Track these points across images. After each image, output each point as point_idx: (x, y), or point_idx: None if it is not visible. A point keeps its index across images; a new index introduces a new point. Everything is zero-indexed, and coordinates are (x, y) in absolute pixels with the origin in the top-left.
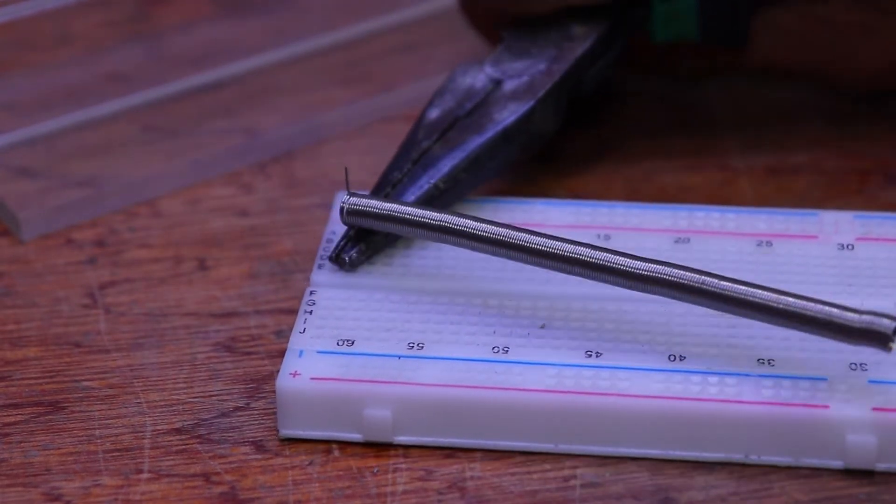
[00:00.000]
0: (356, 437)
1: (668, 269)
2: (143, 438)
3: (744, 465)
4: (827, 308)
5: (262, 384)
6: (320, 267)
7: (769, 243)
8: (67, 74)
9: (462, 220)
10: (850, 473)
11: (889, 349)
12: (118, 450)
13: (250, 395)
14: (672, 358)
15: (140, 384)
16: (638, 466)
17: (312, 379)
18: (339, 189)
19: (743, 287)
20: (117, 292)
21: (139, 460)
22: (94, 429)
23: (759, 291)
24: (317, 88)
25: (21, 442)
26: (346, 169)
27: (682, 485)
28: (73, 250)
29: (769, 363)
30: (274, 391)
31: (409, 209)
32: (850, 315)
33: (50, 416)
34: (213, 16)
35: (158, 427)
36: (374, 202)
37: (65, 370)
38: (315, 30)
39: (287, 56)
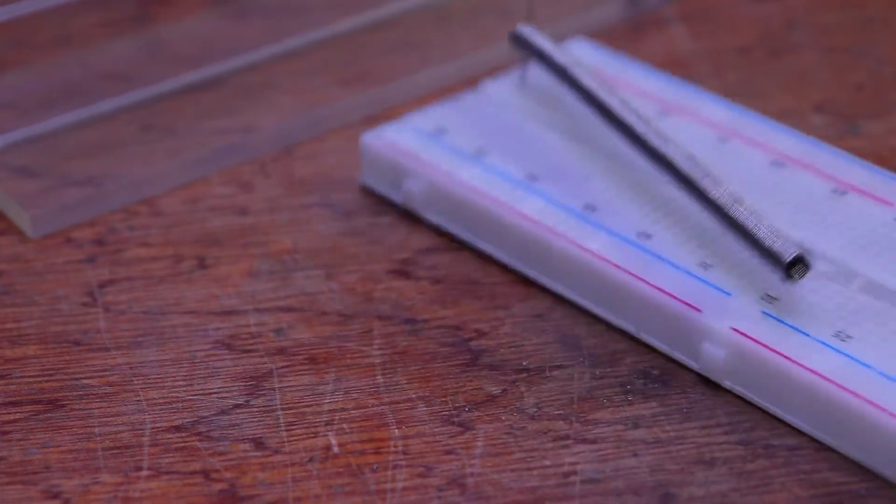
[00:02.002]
0: (398, 203)
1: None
2: (143, 436)
3: (744, 461)
4: (759, 224)
5: (261, 382)
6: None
7: (843, 193)
8: (66, 73)
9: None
10: (848, 467)
11: (790, 278)
12: (117, 447)
13: (250, 393)
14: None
15: (139, 382)
16: (638, 462)
17: (389, 144)
18: (338, 189)
19: (711, 188)
20: (117, 291)
21: (138, 458)
22: (93, 426)
23: (716, 190)
24: (315, 85)
25: (20, 440)
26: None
27: (682, 480)
28: (72, 249)
29: (705, 265)
30: (273, 389)
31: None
32: (766, 233)
33: (49, 414)
34: (212, 14)
35: (158, 424)
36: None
37: (64, 368)
38: (313, 27)
39: (285, 53)
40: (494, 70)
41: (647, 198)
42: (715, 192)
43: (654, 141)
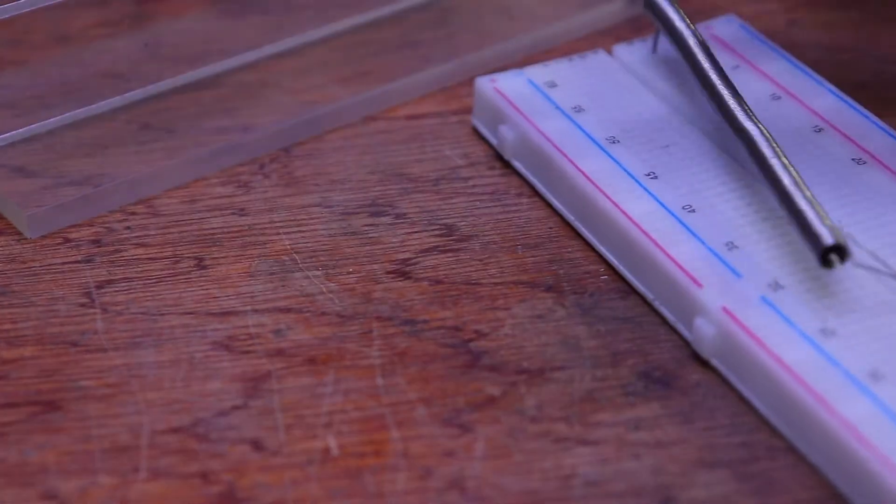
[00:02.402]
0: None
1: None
2: (141, 438)
3: (746, 463)
4: (811, 208)
5: (260, 383)
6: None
7: (864, 161)
8: (64, 72)
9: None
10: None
11: (826, 265)
12: (115, 449)
13: (248, 395)
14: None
15: (137, 383)
16: (639, 464)
17: (495, 89)
18: (338, 189)
19: (772, 158)
20: (114, 291)
21: (136, 460)
22: (90, 428)
23: (775, 160)
24: (315, 85)
25: (18, 441)
26: None
27: (683, 483)
28: (70, 249)
29: (731, 245)
30: (272, 391)
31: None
32: (812, 216)
33: (47, 416)
34: (210, 12)
35: (156, 426)
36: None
37: (62, 369)
38: (312, 25)
39: (284, 52)
40: (494, 70)
41: (711, 174)
42: (778, 170)
43: (738, 115)
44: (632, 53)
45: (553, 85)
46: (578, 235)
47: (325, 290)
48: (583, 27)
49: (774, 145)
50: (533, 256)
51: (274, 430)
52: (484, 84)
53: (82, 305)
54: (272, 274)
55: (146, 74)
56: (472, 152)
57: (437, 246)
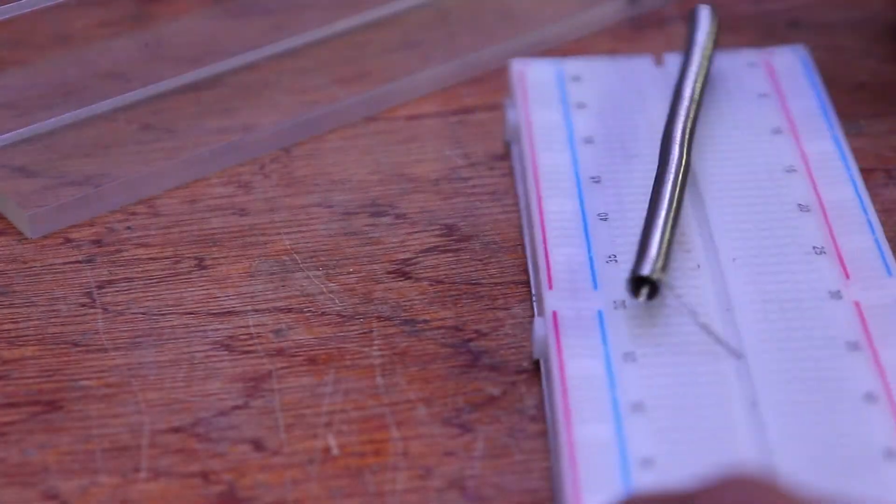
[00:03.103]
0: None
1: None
2: (141, 437)
3: None
4: (659, 232)
5: (260, 383)
6: None
7: (807, 209)
8: (65, 73)
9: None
10: None
11: (634, 292)
12: (116, 449)
13: (249, 394)
14: None
15: (138, 383)
16: None
17: (521, 73)
18: (338, 189)
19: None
20: (115, 291)
21: (137, 459)
22: (91, 428)
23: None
24: (315, 85)
25: (19, 441)
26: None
27: None
28: (71, 249)
29: (613, 258)
30: (272, 390)
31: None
32: (653, 245)
33: (48, 416)
34: (211, 13)
35: (156, 426)
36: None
37: (63, 369)
38: (313, 26)
39: (285, 53)
40: (494, 70)
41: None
42: (664, 193)
43: (673, 136)
44: (676, 65)
45: (577, 79)
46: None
47: (325, 290)
48: (583, 27)
49: (679, 174)
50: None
51: (274, 430)
52: (515, 66)
53: (83, 305)
54: (272, 274)
55: (147, 75)
56: (472, 152)
57: (438, 246)
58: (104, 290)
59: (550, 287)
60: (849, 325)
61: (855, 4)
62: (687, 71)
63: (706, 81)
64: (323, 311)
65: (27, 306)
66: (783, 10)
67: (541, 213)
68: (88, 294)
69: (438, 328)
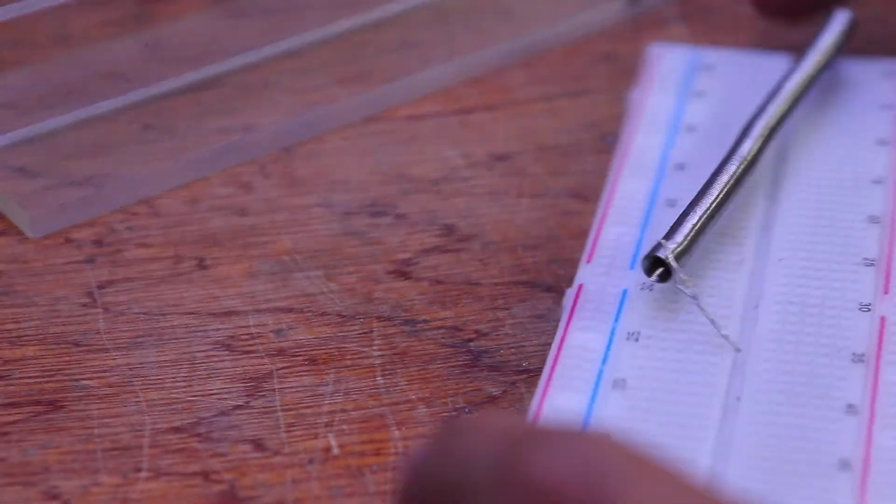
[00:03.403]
0: None
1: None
2: (142, 437)
3: None
4: (695, 219)
5: (261, 383)
6: None
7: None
8: (66, 73)
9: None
10: None
11: (647, 270)
12: (117, 448)
13: (249, 394)
14: None
15: (139, 383)
16: None
17: (655, 58)
18: (338, 189)
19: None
20: (116, 291)
21: (138, 459)
22: (92, 427)
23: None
24: (315, 85)
25: (20, 441)
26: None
27: None
28: (71, 249)
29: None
30: (273, 390)
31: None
32: (684, 229)
33: (49, 415)
34: (212, 13)
35: (157, 426)
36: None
37: (64, 369)
38: (313, 26)
39: (285, 53)
40: (494, 70)
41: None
42: (717, 183)
43: (752, 133)
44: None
45: (709, 68)
46: (579, 236)
47: (325, 290)
48: (583, 27)
49: (740, 167)
50: (533, 256)
51: (275, 430)
52: (653, 50)
53: (84, 305)
54: (273, 274)
55: (148, 75)
56: (472, 152)
57: (438, 246)
58: (105, 290)
59: (588, 261)
60: (864, 337)
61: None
62: (794, 71)
63: (810, 83)
64: (323, 311)
65: (28, 306)
66: None
67: (612, 191)
68: (89, 294)
69: (438, 328)
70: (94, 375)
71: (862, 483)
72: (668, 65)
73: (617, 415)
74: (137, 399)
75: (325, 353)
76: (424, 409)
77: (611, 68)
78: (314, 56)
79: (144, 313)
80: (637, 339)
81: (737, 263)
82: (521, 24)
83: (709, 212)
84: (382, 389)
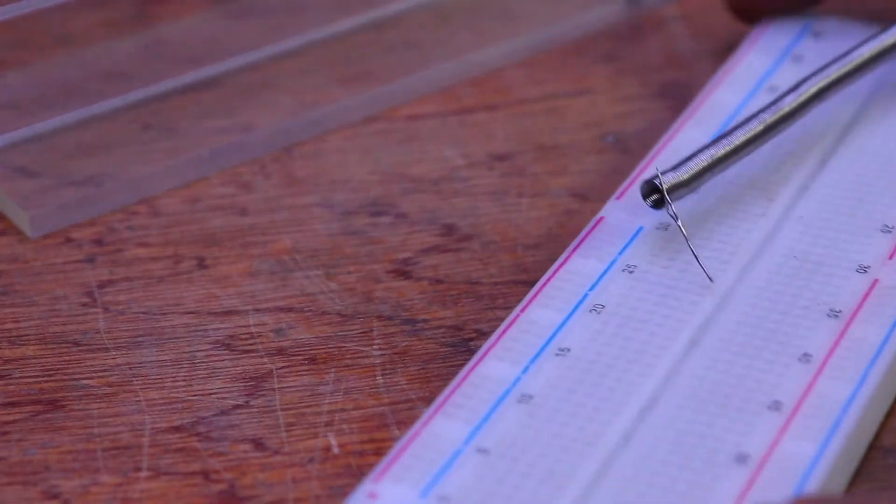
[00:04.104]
0: None
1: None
2: (142, 436)
3: None
4: (709, 153)
5: (261, 382)
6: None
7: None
8: (66, 73)
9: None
10: None
11: (646, 192)
12: (117, 448)
13: (249, 393)
14: None
15: (139, 382)
16: None
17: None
18: (338, 189)
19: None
20: (116, 291)
21: (138, 458)
22: (92, 427)
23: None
24: (315, 85)
25: (20, 440)
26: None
27: None
28: (71, 249)
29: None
30: (273, 389)
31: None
32: (696, 159)
33: (49, 415)
34: (212, 13)
35: (157, 425)
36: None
37: (64, 368)
38: (312, 26)
39: (285, 53)
40: (493, 70)
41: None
42: (741, 126)
43: (790, 92)
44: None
45: (818, 35)
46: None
47: (325, 289)
48: (583, 27)
49: (772, 117)
50: (533, 256)
51: (275, 429)
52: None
53: (84, 305)
54: (273, 273)
55: (147, 75)
56: (472, 152)
57: (438, 246)
58: (105, 290)
59: (618, 198)
60: (849, 296)
61: (853, 3)
62: (869, 41)
63: (882, 55)
64: (323, 310)
65: (28, 306)
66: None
67: (668, 139)
68: (89, 293)
69: (438, 328)
70: (94, 375)
71: (787, 422)
72: (777, 30)
73: (584, 335)
74: (137, 398)
75: (325, 352)
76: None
77: (611, 68)
78: (314, 56)
79: (144, 313)
80: (632, 272)
81: (758, 216)
82: (521, 24)
83: (722, 153)
84: (382, 389)
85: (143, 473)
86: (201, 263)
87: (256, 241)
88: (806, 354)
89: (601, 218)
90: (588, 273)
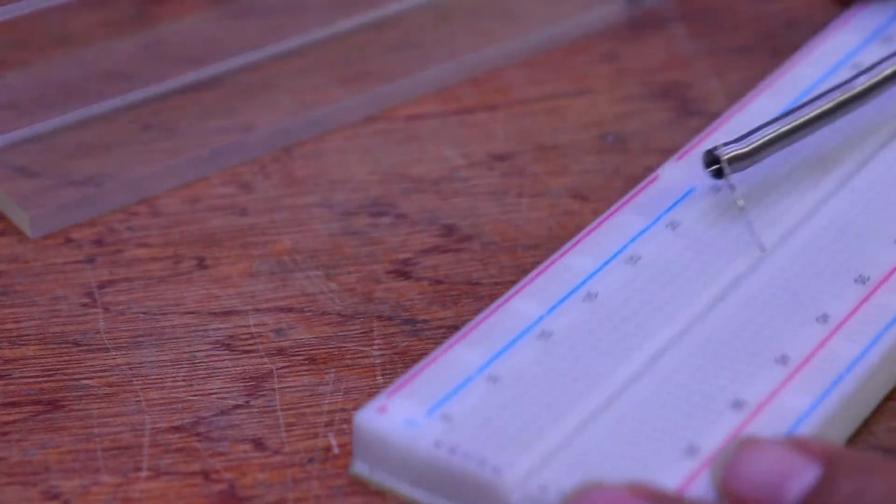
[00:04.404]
0: None
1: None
2: (142, 437)
3: None
4: (776, 126)
5: (261, 382)
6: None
7: None
8: (66, 73)
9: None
10: None
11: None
12: (117, 448)
13: (249, 394)
14: None
15: (139, 382)
16: None
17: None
18: (338, 189)
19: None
20: (116, 291)
21: (138, 458)
22: (92, 427)
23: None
24: (315, 85)
25: (20, 440)
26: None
27: None
28: (71, 249)
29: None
30: (273, 390)
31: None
32: (765, 131)
33: (49, 415)
34: (212, 13)
35: (157, 425)
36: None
37: (64, 369)
38: (313, 27)
39: (285, 53)
40: (494, 70)
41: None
42: (810, 102)
43: (863, 72)
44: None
45: None
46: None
47: (325, 289)
48: (583, 27)
49: (841, 96)
50: (533, 256)
51: (275, 429)
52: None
53: (84, 305)
54: (273, 274)
55: (147, 75)
56: (472, 152)
57: (438, 246)
58: (105, 290)
59: (678, 159)
60: (879, 265)
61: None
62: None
63: None
64: (323, 310)
65: (28, 306)
66: (783, 10)
67: (738, 109)
68: (89, 294)
69: (438, 328)
70: (94, 375)
71: (790, 375)
72: (873, 11)
73: (615, 283)
74: (137, 398)
75: (325, 352)
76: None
77: (611, 68)
78: (314, 56)
79: (144, 313)
80: (675, 229)
81: (812, 187)
82: (521, 24)
83: (786, 129)
84: (383, 389)
85: (144, 473)
86: (201, 264)
87: (256, 241)
88: (825, 315)
89: (656, 176)
90: (632, 226)
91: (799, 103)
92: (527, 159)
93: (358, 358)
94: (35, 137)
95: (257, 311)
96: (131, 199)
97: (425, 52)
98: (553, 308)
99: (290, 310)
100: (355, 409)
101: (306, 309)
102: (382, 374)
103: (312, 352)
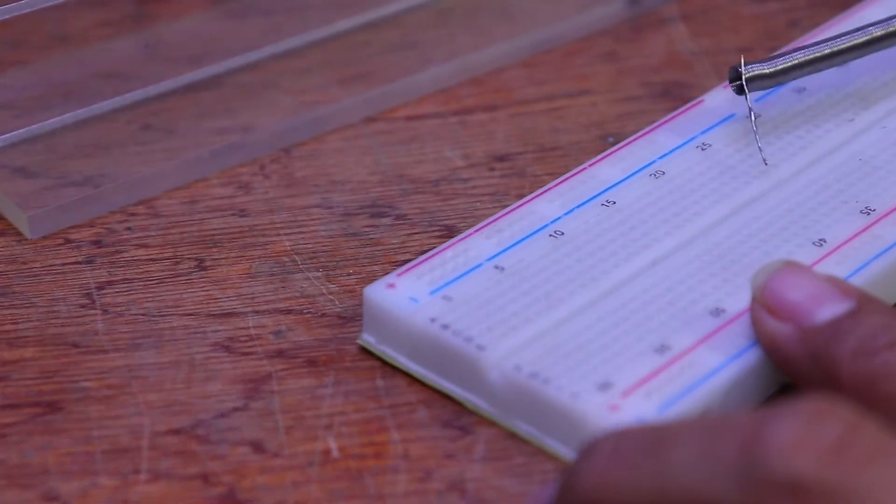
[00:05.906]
0: None
1: None
2: (141, 439)
3: None
4: (806, 53)
5: (260, 384)
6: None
7: None
8: (64, 73)
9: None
10: None
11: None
12: (116, 450)
13: (249, 396)
14: None
15: (138, 385)
16: None
17: None
18: (338, 189)
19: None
20: (115, 292)
21: (137, 461)
22: (91, 429)
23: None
24: (315, 85)
25: (19, 443)
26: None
27: None
28: (70, 250)
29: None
30: (272, 392)
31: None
32: (793, 57)
33: (47, 417)
34: (211, 13)
35: (156, 427)
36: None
37: (62, 371)
38: (312, 26)
39: (285, 53)
40: (494, 70)
41: None
42: (839, 36)
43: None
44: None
45: None
46: None
47: (325, 291)
48: (583, 27)
49: (879, 34)
50: None
51: (274, 432)
52: None
53: (83, 306)
54: (272, 275)
55: (147, 75)
56: (472, 153)
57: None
58: (104, 291)
59: (726, 87)
60: (884, 197)
61: (852, 3)
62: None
63: None
64: (323, 312)
65: (27, 307)
66: (783, 10)
67: (783, 51)
68: (88, 295)
69: None
70: (93, 377)
71: None
72: None
73: (634, 194)
74: (136, 401)
75: (325, 354)
76: (424, 412)
77: (611, 68)
78: (314, 56)
79: (143, 314)
80: (704, 150)
81: (848, 121)
82: (521, 24)
83: (814, 56)
84: (382, 391)
85: (143, 476)
86: (200, 265)
87: (256, 242)
88: (822, 239)
89: (700, 100)
90: (665, 143)
91: (836, 34)
92: (527, 160)
93: (358, 360)
94: (34, 138)
95: (256, 312)
96: (130, 200)
97: (425, 52)
98: (571, 211)
99: (289, 311)
100: (355, 411)
101: (306, 311)
102: (382, 377)
103: (312, 354)
